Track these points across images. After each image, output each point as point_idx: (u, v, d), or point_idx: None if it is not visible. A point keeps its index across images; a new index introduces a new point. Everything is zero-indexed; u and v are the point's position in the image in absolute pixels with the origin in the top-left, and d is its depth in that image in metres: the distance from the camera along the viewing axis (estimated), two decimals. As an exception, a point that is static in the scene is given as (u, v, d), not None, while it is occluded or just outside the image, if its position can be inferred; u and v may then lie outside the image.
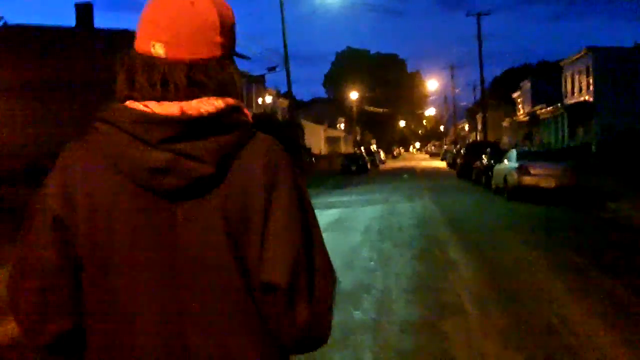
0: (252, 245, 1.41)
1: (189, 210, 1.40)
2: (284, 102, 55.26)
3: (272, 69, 39.87)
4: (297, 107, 49.56)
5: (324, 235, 1.53)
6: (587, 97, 43.61)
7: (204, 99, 1.41)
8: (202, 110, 1.39)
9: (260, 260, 1.41)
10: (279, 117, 42.37)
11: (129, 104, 1.41)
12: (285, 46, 35.00)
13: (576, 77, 46.46)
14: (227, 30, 1.48)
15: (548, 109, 48.63)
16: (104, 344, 1.42)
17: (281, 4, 34.54)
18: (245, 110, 1.50)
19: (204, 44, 1.44)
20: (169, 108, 1.38)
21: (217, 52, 1.46)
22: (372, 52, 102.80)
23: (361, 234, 13.44)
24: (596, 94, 42.16)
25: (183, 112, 1.38)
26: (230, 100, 1.45)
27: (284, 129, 27.15)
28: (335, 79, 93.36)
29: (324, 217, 16.18)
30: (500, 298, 7.54)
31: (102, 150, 1.40)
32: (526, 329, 6.21)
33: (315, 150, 54.78)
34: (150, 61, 1.43)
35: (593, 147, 38.37)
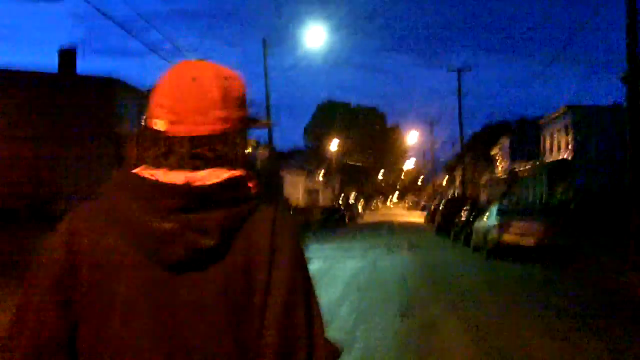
0: (252, 323, 1.41)
1: (190, 283, 1.39)
2: (263, 153, 55.24)
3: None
4: (277, 157, 49.52)
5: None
6: (566, 155, 44.02)
7: (211, 170, 1.43)
8: (207, 182, 1.41)
9: (261, 341, 1.40)
10: (259, 167, 42.29)
11: (139, 171, 1.44)
12: (267, 97, 34.97)
13: (555, 135, 46.97)
14: (232, 103, 1.50)
15: (527, 166, 49.03)
16: None
17: (264, 56, 34.70)
18: (250, 183, 1.49)
19: (203, 120, 1.46)
20: (174, 177, 1.40)
21: (219, 127, 1.48)
22: (352, 104, 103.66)
23: (341, 290, 13.26)
24: (575, 152, 42.54)
25: (188, 183, 1.40)
26: (237, 172, 1.46)
27: (263, 180, 26.99)
28: (315, 130, 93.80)
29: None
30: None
31: (110, 215, 1.41)
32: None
33: (293, 202, 54.64)
34: (155, 134, 1.47)
35: (572, 205, 38.59)
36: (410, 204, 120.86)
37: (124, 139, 28.80)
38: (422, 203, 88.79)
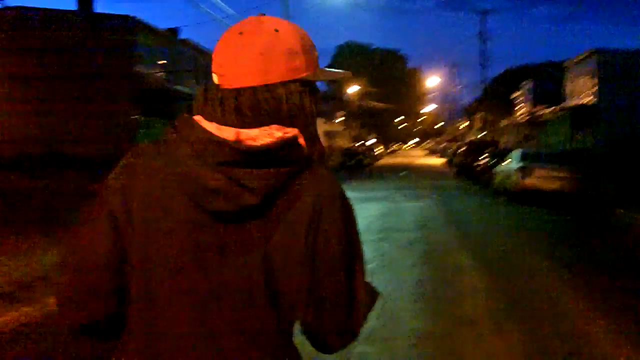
0: (291, 278, 1.46)
1: (232, 235, 1.44)
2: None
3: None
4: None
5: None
6: (590, 100, 43.22)
7: (266, 128, 1.44)
8: (258, 141, 1.42)
9: (301, 302, 1.49)
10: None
11: (199, 119, 1.48)
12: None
13: (580, 78, 46.03)
14: (278, 54, 1.47)
15: (549, 110, 48.22)
16: (143, 333, 1.47)
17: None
18: (303, 142, 1.48)
19: (245, 72, 1.46)
20: (225, 132, 1.43)
21: (260, 78, 1.46)
22: (373, 47, 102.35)
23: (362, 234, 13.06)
24: (600, 96, 41.72)
25: (238, 139, 1.42)
26: (289, 132, 1.45)
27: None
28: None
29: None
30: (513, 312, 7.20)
31: (165, 159, 1.46)
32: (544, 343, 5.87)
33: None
34: (213, 87, 1.51)
35: (596, 150, 38.09)
36: (430, 147, 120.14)
37: (143, 77, 28.65)
38: (441, 147, 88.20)
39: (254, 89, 1.45)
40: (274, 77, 1.46)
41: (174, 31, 34.86)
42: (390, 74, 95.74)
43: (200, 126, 1.45)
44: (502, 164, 22.74)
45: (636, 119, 37.92)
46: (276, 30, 1.48)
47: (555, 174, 19.24)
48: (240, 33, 1.48)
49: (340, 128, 78.37)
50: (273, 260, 1.43)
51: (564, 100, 48.56)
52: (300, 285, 1.46)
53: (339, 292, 1.49)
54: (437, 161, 63.07)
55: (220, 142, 1.40)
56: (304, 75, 1.50)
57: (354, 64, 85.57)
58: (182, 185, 1.42)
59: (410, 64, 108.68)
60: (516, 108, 64.04)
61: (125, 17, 30.04)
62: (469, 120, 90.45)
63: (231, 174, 1.39)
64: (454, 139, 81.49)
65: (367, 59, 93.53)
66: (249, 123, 1.43)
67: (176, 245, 1.43)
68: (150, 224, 1.44)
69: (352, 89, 78.02)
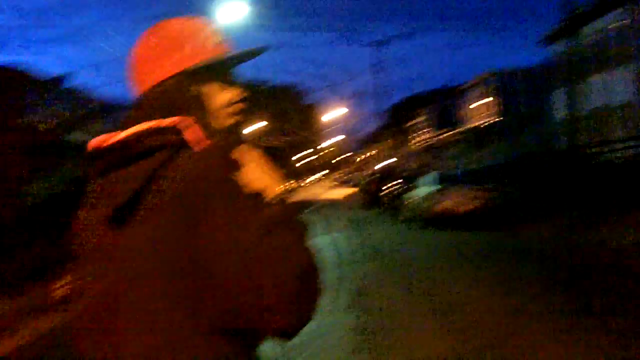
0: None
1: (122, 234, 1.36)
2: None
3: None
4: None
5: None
6: (489, 120, 43.89)
7: (135, 125, 1.38)
8: (120, 137, 1.37)
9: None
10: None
11: None
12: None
13: (478, 100, 46.81)
14: (162, 52, 1.48)
15: (451, 133, 48.82)
16: None
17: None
18: (188, 128, 1.38)
19: (142, 76, 1.49)
20: (96, 140, 1.41)
21: (159, 77, 1.47)
22: (270, 83, 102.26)
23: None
24: (498, 116, 42.48)
25: (96, 144, 1.39)
26: (167, 121, 1.38)
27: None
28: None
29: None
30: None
31: None
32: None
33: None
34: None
35: (500, 169, 38.41)
36: (338, 178, 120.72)
37: (32, 130, 27.16)
38: (349, 177, 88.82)
39: (145, 91, 1.47)
40: (159, 75, 1.47)
41: (60, 79, 33.24)
42: (289, 109, 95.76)
43: None
44: (414, 189, 22.26)
45: (537, 134, 38.57)
46: (156, 32, 1.51)
47: (471, 194, 18.86)
48: (138, 43, 1.51)
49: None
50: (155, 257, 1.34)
51: (464, 122, 49.25)
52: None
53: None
54: (346, 191, 62.82)
55: (89, 152, 1.40)
56: (190, 64, 1.47)
57: (252, 102, 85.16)
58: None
59: (310, 98, 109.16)
60: (418, 133, 64.84)
61: (8, 68, 28.51)
62: (375, 149, 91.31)
63: (101, 183, 1.39)
64: (361, 168, 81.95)
65: (264, 95, 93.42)
66: (132, 122, 1.40)
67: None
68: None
69: (251, 128, 77.47)
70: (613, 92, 25.69)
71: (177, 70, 1.46)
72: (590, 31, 24.82)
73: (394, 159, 49.79)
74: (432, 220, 19.05)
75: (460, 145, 47.41)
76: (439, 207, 19.00)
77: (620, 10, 25.60)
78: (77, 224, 1.46)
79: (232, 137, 1.51)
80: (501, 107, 42.32)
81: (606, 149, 26.24)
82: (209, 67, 1.49)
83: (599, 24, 26.09)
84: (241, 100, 1.54)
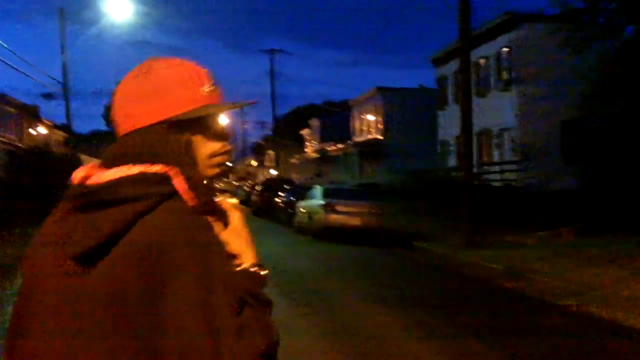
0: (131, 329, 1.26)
1: (82, 282, 1.29)
2: (59, 135, 51.54)
3: (47, 96, 36.52)
4: (76, 140, 46.04)
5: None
6: (376, 136, 44.82)
7: (121, 167, 1.34)
8: (103, 180, 1.33)
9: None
10: (55, 150, 38.97)
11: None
12: (65, 74, 31.73)
13: (366, 115, 47.75)
14: (145, 96, 1.42)
15: (337, 146, 49.50)
16: None
17: (61, 29, 31.58)
18: (176, 178, 1.34)
19: (121, 121, 1.45)
20: (77, 174, 1.39)
21: (130, 124, 1.43)
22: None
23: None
24: (385, 132, 43.45)
25: (81, 182, 1.36)
26: (151, 168, 1.33)
27: (61, 164, 24.57)
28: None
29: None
30: None
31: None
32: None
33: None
34: None
35: (390, 183, 39.32)
36: (220, 188, 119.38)
37: None
38: (232, 186, 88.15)
39: (125, 135, 1.42)
40: (143, 120, 1.41)
41: None
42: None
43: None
44: (302, 201, 22.40)
45: (419, 152, 39.61)
46: (146, 72, 1.44)
47: (356, 209, 19.16)
48: (119, 82, 1.48)
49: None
50: (113, 308, 1.27)
51: (351, 136, 50.07)
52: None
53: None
54: (229, 202, 62.24)
55: (70, 187, 1.37)
56: (177, 112, 1.42)
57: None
58: (45, 244, 1.37)
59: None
60: (306, 144, 65.31)
61: None
62: (259, 158, 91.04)
63: (77, 221, 1.32)
64: (244, 178, 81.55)
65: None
66: (115, 165, 1.35)
67: (47, 304, 1.34)
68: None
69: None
70: (493, 116, 26.95)
71: (162, 117, 1.40)
72: (473, 57, 25.90)
73: (280, 170, 49.87)
74: (322, 233, 19.17)
75: (348, 159, 48.13)
76: (327, 221, 19.16)
77: (502, 37, 26.93)
78: (31, 259, 1.38)
79: (213, 191, 1.47)
80: (389, 124, 43.30)
81: (488, 171, 27.48)
82: (196, 118, 1.43)
83: (482, 50, 27.33)
84: (225, 153, 1.49)
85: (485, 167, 28.03)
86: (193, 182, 1.36)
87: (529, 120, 25.48)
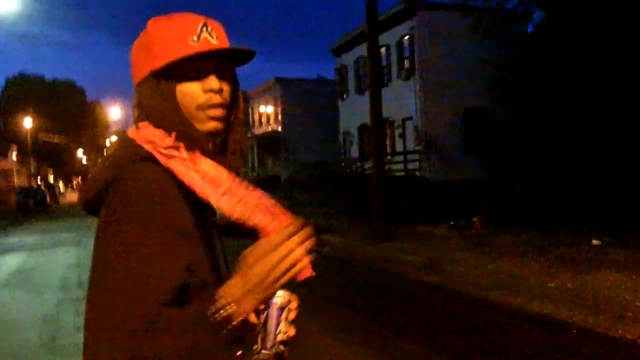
0: None
1: None
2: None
3: None
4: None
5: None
6: (276, 127, 44.10)
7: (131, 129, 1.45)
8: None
9: None
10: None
11: None
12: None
13: (265, 107, 46.92)
14: (135, 57, 1.50)
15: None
16: None
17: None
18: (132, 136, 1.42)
19: (132, 77, 1.52)
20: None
21: (136, 79, 1.49)
22: (48, 78, 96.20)
23: (58, 288, 10.72)
24: (284, 124, 42.77)
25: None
26: (129, 131, 1.45)
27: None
28: (5, 106, 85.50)
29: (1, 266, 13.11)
30: None
31: None
32: None
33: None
34: None
35: (282, 177, 38.65)
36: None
37: None
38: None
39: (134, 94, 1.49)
40: (138, 76, 1.48)
41: None
42: (68, 107, 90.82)
43: None
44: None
45: (319, 143, 39.20)
46: (143, 31, 1.49)
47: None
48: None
49: (15, 166, 72.46)
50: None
51: (250, 128, 49.19)
52: None
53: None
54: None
55: None
56: (152, 68, 1.44)
57: (28, 97, 79.97)
58: None
59: (91, 97, 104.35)
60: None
61: None
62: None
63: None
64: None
65: (42, 91, 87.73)
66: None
67: None
68: None
69: (27, 123, 72.44)
70: (394, 107, 26.52)
71: (146, 72, 1.45)
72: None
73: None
74: (225, 229, 18.33)
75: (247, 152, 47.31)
76: (223, 217, 18.33)
77: (403, 25, 26.53)
78: None
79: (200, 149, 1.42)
80: (288, 115, 42.67)
81: (390, 161, 27.15)
82: (184, 68, 1.43)
83: (383, 39, 26.93)
84: (220, 105, 1.46)
85: (389, 157, 27.70)
86: (187, 135, 1.40)
87: (431, 110, 25.15)
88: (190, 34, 1.43)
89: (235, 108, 1.55)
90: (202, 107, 1.44)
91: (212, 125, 1.46)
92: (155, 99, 1.41)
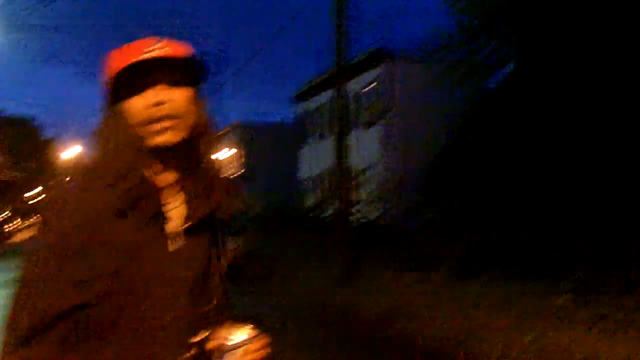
0: None
1: None
2: None
3: None
4: None
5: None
6: (236, 171, 43.85)
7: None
8: None
9: None
10: None
11: None
12: None
13: (224, 151, 46.62)
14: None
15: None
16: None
17: None
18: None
19: None
20: None
21: None
22: (3, 113, 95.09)
23: None
24: (248, 167, 42.57)
25: None
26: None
27: None
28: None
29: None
30: None
31: None
32: None
33: None
34: None
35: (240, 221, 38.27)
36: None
37: None
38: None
39: None
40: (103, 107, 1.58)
41: None
42: (24, 144, 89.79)
43: None
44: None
45: (279, 189, 39.02)
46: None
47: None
48: None
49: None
50: None
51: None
52: None
53: None
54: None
55: None
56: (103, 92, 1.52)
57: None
58: None
59: (49, 133, 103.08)
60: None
61: None
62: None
63: None
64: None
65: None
66: None
67: None
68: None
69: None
70: (356, 153, 26.36)
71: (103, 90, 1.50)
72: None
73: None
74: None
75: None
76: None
77: (368, 74, 26.52)
78: None
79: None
80: (249, 159, 42.45)
81: (352, 210, 26.90)
82: (126, 87, 1.43)
83: (347, 87, 26.95)
84: (167, 117, 1.43)
85: (352, 203, 27.45)
86: (127, 152, 1.43)
87: (395, 157, 25.08)
88: (136, 55, 1.41)
89: (197, 114, 1.50)
90: (144, 123, 1.42)
91: (162, 139, 1.43)
92: (106, 117, 1.46)
